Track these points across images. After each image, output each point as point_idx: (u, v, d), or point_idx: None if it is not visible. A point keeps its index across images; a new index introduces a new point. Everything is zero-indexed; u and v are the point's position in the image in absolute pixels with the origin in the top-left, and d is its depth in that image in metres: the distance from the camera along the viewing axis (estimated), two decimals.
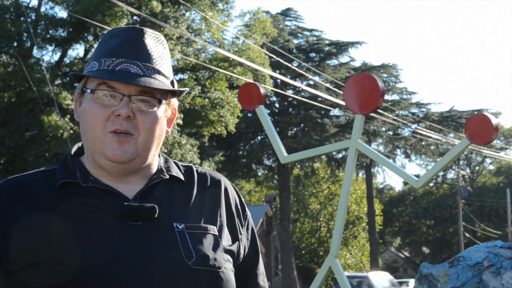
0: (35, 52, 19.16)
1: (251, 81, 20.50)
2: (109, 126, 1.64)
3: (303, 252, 41.26)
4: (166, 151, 18.75)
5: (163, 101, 1.71)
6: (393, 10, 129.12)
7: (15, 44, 18.57)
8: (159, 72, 1.70)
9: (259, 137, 32.16)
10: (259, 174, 35.13)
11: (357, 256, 40.76)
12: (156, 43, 1.73)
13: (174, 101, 1.77)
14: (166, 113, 1.74)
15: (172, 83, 1.75)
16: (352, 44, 33.06)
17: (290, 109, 31.84)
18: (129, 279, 1.56)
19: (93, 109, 1.66)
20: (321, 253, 40.36)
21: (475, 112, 29.31)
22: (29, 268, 1.57)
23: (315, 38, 33.30)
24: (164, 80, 1.71)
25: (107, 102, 1.66)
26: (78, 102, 1.73)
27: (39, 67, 18.02)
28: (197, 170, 1.83)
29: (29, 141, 18.81)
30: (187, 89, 1.78)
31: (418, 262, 51.48)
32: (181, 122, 19.63)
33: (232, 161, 31.75)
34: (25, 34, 18.44)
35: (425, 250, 54.80)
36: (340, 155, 32.81)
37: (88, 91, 1.68)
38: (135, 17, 19.23)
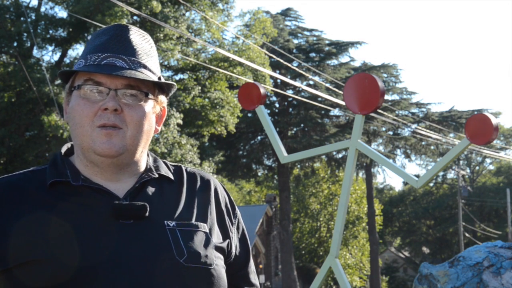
0: (35, 52, 19.16)
1: (251, 81, 20.48)
2: (96, 121, 1.65)
3: (303, 252, 41.26)
4: (166, 151, 18.73)
5: (150, 95, 1.71)
6: (393, 10, 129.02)
7: (15, 44, 18.56)
8: (145, 67, 1.70)
9: (259, 137, 32.12)
10: (259, 174, 35.10)
11: (357, 256, 40.75)
12: (142, 40, 1.74)
13: (163, 99, 1.77)
14: (155, 109, 1.74)
15: (159, 79, 1.75)
16: (352, 44, 33.01)
17: (290, 109, 31.80)
18: (121, 278, 1.55)
19: (80, 105, 1.67)
20: (321, 253, 40.36)
21: (475, 112, 29.31)
22: (20, 267, 1.56)
23: (315, 38, 33.25)
24: (150, 74, 1.71)
25: (94, 97, 1.67)
26: (67, 103, 1.74)
27: (39, 67, 18.01)
28: (186, 170, 1.83)
29: (29, 141, 18.81)
30: (174, 83, 1.78)
31: (418, 262, 51.42)
32: (181, 122, 19.61)
33: (232, 161, 31.72)
34: (25, 34, 18.43)
35: (425, 250, 54.74)
36: (340, 155, 32.77)
37: (75, 88, 1.69)
38: (135, 17, 19.21)
